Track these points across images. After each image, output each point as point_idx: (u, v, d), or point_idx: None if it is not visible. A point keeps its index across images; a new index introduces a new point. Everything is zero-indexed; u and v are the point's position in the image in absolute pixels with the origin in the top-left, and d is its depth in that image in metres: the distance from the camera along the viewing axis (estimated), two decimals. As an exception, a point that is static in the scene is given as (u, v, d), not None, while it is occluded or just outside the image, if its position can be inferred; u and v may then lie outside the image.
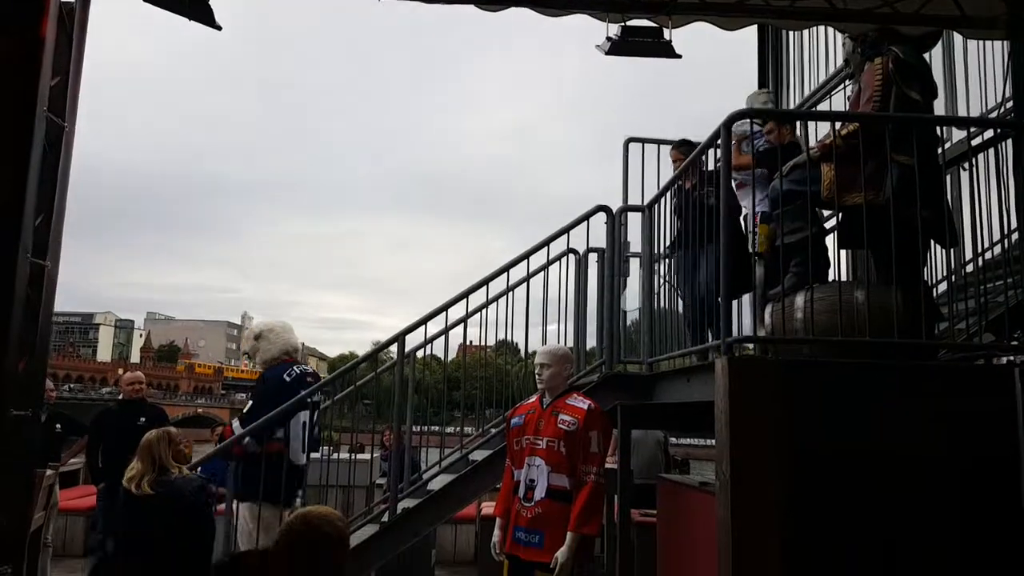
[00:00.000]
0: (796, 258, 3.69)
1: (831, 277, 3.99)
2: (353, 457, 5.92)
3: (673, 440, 9.36)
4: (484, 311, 5.58)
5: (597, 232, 5.22)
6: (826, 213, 4.31)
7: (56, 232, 3.37)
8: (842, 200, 3.53)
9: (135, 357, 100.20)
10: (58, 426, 6.41)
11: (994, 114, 4.55)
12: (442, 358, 6.15)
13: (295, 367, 5.05)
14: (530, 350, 5.27)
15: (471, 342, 6.52)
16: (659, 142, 5.10)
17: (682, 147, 5.27)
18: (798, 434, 3.31)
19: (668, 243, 4.77)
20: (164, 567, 4.02)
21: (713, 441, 3.42)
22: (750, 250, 4.95)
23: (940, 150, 3.78)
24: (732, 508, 3.29)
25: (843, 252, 4.42)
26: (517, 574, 3.91)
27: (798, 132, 5.71)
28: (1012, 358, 3.47)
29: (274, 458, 4.67)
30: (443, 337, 5.55)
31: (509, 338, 6.14)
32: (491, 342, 6.21)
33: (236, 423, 4.93)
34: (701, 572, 4.23)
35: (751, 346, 3.91)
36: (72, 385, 75.40)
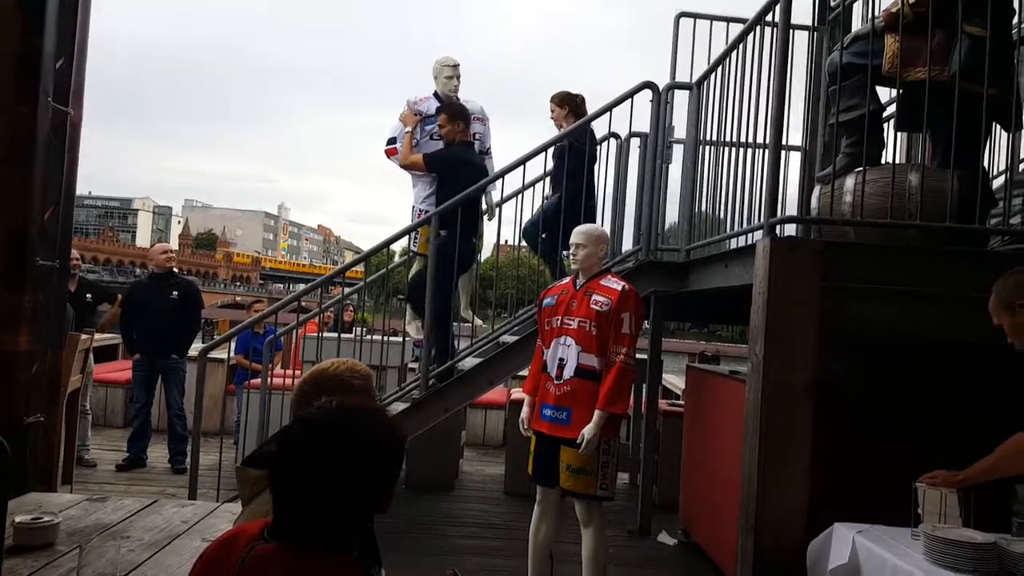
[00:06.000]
0: (850, 138, 3.50)
1: (884, 162, 3.79)
2: (385, 339, 5.95)
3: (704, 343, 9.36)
4: (519, 198, 5.48)
5: (640, 117, 5.00)
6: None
7: (79, 79, 3.19)
8: (904, 75, 3.31)
9: (173, 244, 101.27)
10: (88, 295, 6.49)
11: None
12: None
13: None
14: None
15: (505, 241, 6.40)
16: (712, 18, 4.74)
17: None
18: (839, 318, 3.21)
19: None
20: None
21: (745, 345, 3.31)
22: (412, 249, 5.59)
23: (1016, 20, 3.51)
24: (763, 392, 3.23)
25: (899, 137, 4.18)
26: (543, 450, 3.93)
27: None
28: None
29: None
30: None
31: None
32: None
33: None
34: (726, 457, 4.22)
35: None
36: (114, 268, 76.49)
